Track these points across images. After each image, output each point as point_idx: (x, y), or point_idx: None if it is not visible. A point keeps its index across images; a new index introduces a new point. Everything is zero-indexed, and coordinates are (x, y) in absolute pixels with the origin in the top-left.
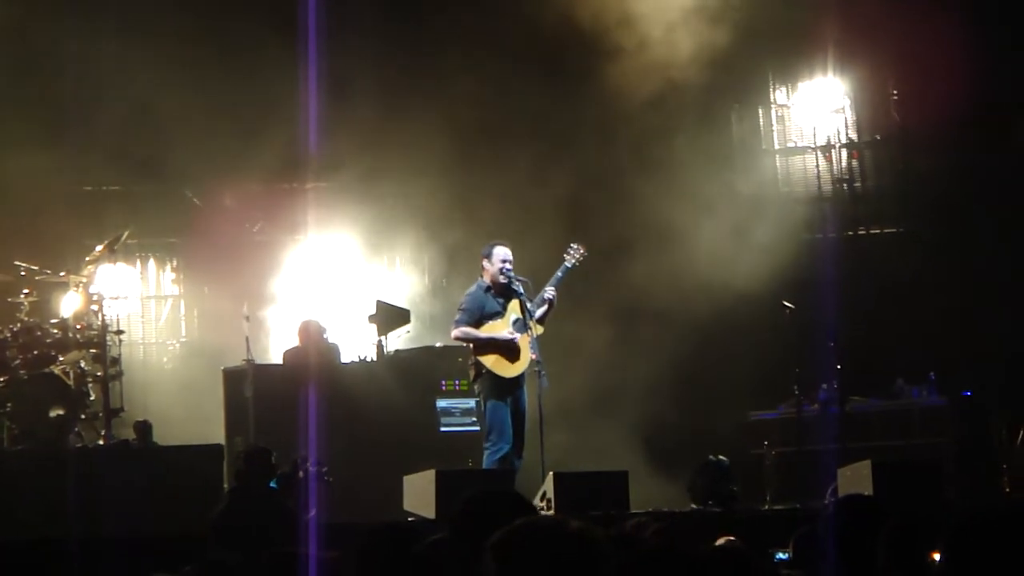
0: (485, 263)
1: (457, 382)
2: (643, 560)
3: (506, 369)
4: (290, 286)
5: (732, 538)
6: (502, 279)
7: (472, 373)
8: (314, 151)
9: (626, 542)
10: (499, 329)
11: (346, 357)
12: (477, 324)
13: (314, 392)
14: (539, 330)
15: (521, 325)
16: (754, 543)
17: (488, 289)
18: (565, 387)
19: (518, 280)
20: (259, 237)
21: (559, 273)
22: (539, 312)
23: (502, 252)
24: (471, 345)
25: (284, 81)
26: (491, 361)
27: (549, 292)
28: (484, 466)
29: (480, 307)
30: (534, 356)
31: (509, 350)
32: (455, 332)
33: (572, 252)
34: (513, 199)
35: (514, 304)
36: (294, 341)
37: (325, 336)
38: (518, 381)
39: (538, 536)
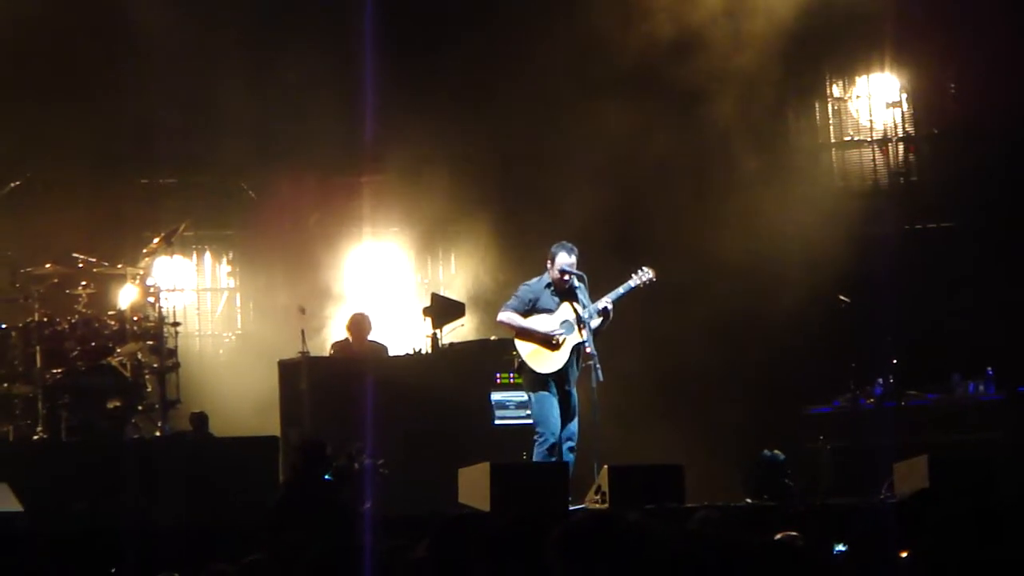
0: (549, 263)
1: (512, 375)
2: (698, 551)
3: (540, 363)
4: (346, 279)
5: (793, 533)
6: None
7: (516, 363)
8: (370, 142)
9: (687, 536)
10: (545, 322)
11: (400, 350)
12: (526, 315)
13: (361, 385)
14: (582, 336)
15: (568, 327)
16: (809, 537)
17: (549, 285)
18: (620, 382)
19: (575, 273)
20: (315, 230)
21: (621, 290)
22: (595, 323)
23: (563, 260)
24: (516, 338)
25: (341, 72)
26: (528, 352)
27: (605, 303)
28: (534, 459)
29: (534, 299)
30: (588, 349)
31: (549, 345)
32: (500, 316)
33: (641, 274)
34: (573, 193)
35: (565, 307)
36: (344, 334)
37: (371, 335)
38: (562, 376)
39: (598, 529)
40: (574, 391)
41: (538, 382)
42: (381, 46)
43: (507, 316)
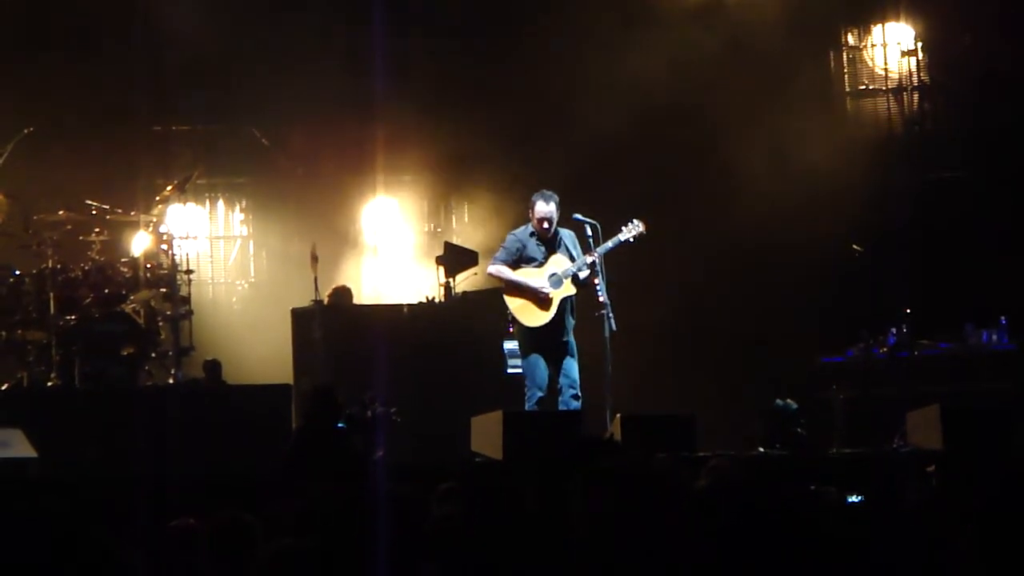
0: (529, 212)
1: (510, 325)
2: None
3: (528, 318)
4: (360, 227)
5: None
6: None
7: (509, 317)
8: (382, 90)
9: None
10: (533, 276)
11: (413, 298)
12: (514, 266)
13: (374, 333)
14: (571, 290)
15: (556, 281)
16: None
17: (533, 234)
18: (633, 330)
19: (588, 222)
20: (329, 178)
21: (611, 243)
22: (583, 275)
23: (541, 208)
24: (504, 293)
25: (353, 18)
26: (516, 305)
27: (594, 256)
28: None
29: (519, 249)
30: (601, 299)
31: (537, 299)
32: (490, 268)
33: (631, 227)
34: (583, 144)
35: (556, 258)
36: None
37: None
38: (553, 328)
39: (626, 473)
40: (571, 339)
41: (526, 336)
42: None
43: (496, 269)
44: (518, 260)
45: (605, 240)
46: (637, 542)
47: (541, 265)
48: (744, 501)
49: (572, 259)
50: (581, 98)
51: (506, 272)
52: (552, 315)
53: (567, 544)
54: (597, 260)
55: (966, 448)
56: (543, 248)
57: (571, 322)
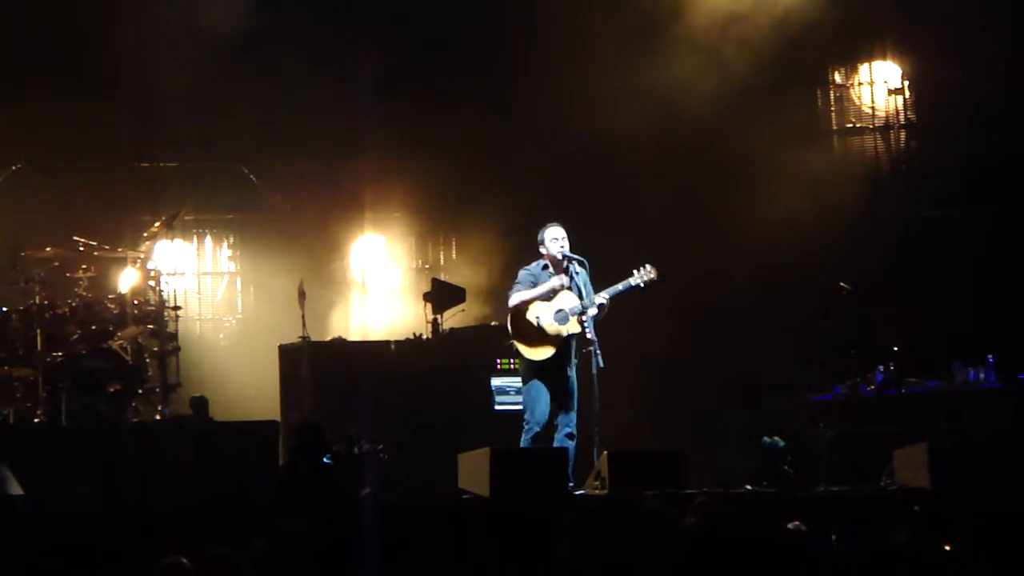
0: (541, 248)
1: (512, 361)
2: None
3: (531, 351)
4: (347, 264)
5: (798, 523)
6: (559, 256)
7: (513, 350)
8: (370, 127)
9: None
10: (545, 310)
11: (401, 335)
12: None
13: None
14: (576, 328)
15: (563, 317)
16: (809, 524)
17: (545, 267)
18: (621, 367)
19: (575, 259)
20: (316, 216)
21: (620, 287)
22: (591, 311)
23: (553, 231)
24: (509, 324)
25: (340, 55)
26: (519, 338)
27: (602, 298)
28: (521, 445)
29: (532, 283)
30: (589, 335)
31: (542, 335)
32: (511, 300)
33: (643, 272)
34: (575, 178)
35: (566, 295)
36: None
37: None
38: (556, 363)
39: (615, 514)
40: (572, 376)
41: (530, 369)
42: (378, 31)
43: (517, 295)
44: None
45: (615, 283)
46: None
47: (550, 299)
48: (730, 538)
49: (581, 297)
50: (570, 135)
51: (527, 293)
52: (556, 350)
53: None
54: (606, 303)
55: (953, 486)
56: None
57: (574, 359)
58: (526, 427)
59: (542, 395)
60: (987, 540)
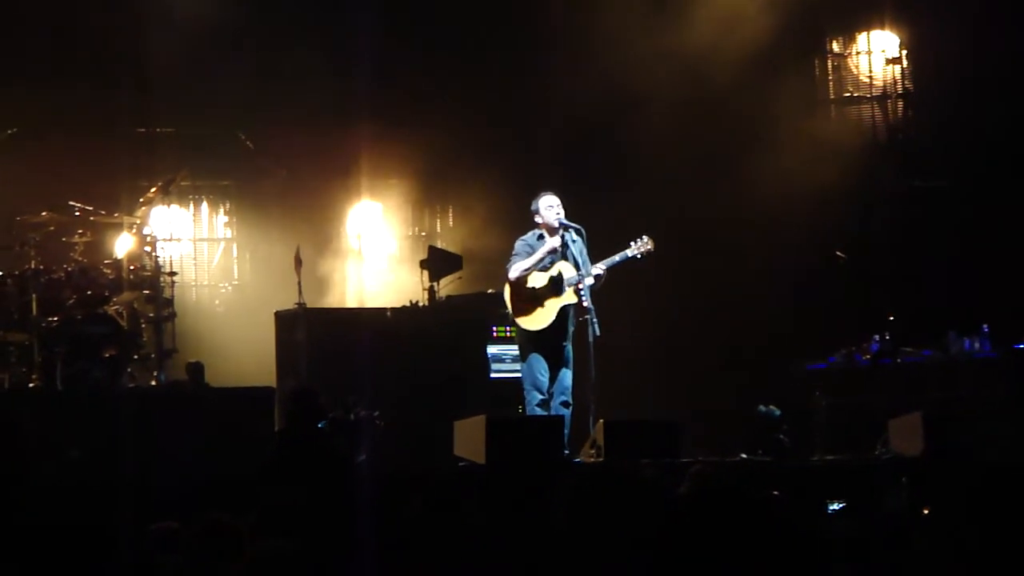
0: (536, 218)
1: (508, 328)
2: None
3: (528, 321)
4: (343, 230)
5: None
6: (556, 223)
7: (509, 319)
8: (366, 92)
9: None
10: (542, 280)
11: (397, 302)
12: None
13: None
14: (572, 298)
15: (559, 288)
16: (804, 493)
17: (541, 237)
18: (618, 336)
19: (572, 226)
20: (313, 181)
21: (617, 258)
22: (587, 281)
23: (547, 199)
24: (507, 296)
25: (336, 20)
26: (515, 307)
27: (599, 269)
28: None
29: (529, 253)
30: (585, 304)
31: (539, 305)
32: (511, 273)
33: (640, 243)
34: (572, 146)
35: (562, 265)
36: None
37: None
38: (552, 332)
39: (612, 480)
40: (568, 347)
41: (528, 341)
42: None
43: (516, 266)
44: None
45: (612, 254)
46: (619, 546)
47: (547, 270)
48: (724, 506)
49: (577, 267)
50: (567, 102)
51: (524, 263)
52: (552, 320)
53: (551, 546)
54: (602, 274)
55: (946, 454)
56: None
57: (570, 329)
58: (527, 397)
59: (539, 364)
60: (978, 508)
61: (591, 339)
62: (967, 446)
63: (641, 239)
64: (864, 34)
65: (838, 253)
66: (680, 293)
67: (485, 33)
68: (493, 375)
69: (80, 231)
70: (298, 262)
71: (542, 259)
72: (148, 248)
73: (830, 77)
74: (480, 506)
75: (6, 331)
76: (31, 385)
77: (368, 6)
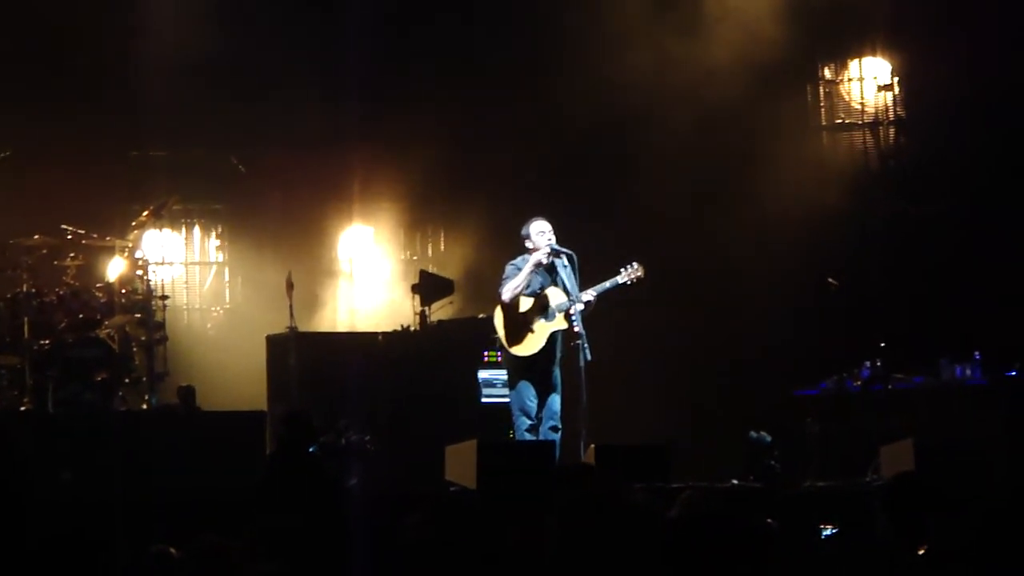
0: (527, 243)
1: (499, 353)
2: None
3: (517, 347)
4: (335, 254)
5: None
6: (546, 249)
7: (496, 343)
8: (358, 117)
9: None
10: (532, 306)
11: (388, 326)
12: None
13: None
14: (562, 324)
15: (550, 314)
16: (795, 519)
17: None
18: (608, 362)
19: (563, 252)
20: (306, 207)
21: (607, 284)
22: (577, 307)
23: (538, 224)
24: (497, 321)
25: (329, 45)
26: (504, 332)
27: (589, 296)
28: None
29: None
30: (577, 329)
31: (526, 326)
32: (504, 295)
33: (630, 270)
34: (563, 171)
35: (552, 291)
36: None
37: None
38: (542, 357)
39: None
40: (556, 371)
41: (515, 366)
42: (367, 19)
43: (508, 287)
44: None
45: (602, 280)
46: (609, 571)
47: (537, 296)
48: (711, 532)
49: (567, 292)
50: (559, 128)
51: (515, 281)
52: (542, 346)
53: (541, 571)
54: (592, 301)
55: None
56: (540, 278)
57: (558, 354)
58: (516, 422)
59: (528, 390)
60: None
61: (582, 364)
62: (959, 472)
63: (631, 265)
64: (856, 61)
65: (830, 280)
66: (670, 320)
67: (478, 58)
68: (484, 399)
69: (72, 254)
70: (290, 286)
71: (531, 273)
72: (140, 272)
73: (822, 104)
74: (471, 530)
75: None
76: (22, 408)
77: (360, 30)
